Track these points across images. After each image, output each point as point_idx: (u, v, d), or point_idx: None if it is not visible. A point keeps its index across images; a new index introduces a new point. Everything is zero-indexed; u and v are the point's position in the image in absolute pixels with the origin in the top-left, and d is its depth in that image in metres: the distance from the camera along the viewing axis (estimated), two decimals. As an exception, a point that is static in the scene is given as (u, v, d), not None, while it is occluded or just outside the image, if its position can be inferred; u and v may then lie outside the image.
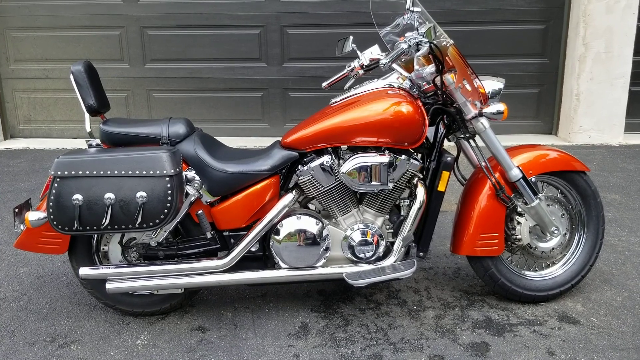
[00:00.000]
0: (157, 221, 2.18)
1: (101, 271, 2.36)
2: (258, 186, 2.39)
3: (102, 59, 5.67)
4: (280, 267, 2.42)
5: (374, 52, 2.45)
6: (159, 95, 5.81)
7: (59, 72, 5.76)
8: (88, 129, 2.39)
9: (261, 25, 5.61)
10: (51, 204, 2.15)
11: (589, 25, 5.23)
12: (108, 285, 2.35)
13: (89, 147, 2.36)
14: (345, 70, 2.52)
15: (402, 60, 2.44)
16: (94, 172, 2.15)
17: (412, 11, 2.35)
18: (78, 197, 2.13)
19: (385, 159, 2.30)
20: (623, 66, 5.30)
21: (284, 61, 5.71)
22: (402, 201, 2.46)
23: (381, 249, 2.43)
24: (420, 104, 2.35)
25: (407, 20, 2.41)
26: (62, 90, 5.81)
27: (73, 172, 2.14)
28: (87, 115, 2.38)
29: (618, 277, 2.82)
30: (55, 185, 2.14)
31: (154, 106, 5.84)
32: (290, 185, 2.49)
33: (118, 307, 2.51)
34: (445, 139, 2.47)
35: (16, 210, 2.35)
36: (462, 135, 2.45)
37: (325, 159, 2.35)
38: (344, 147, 2.39)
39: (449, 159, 2.39)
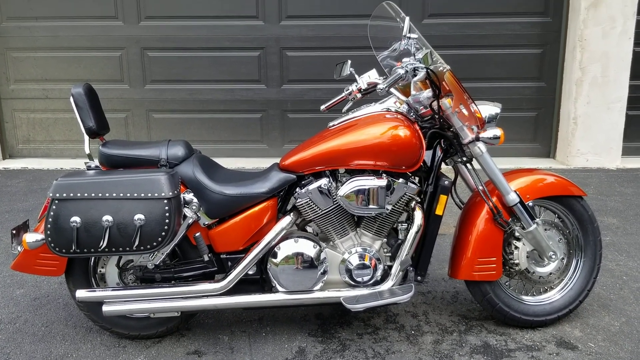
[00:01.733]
0: (155, 244, 2.18)
1: (98, 294, 2.36)
2: (256, 209, 2.39)
3: (102, 79, 5.70)
4: (277, 291, 2.41)
5: (371, 76, 2.47)
6: (159, 115, 5.84)
7: (58, 93, 5.79)
8: (87, 151, 2.39)
9: (261, 47, 5.66)
10: (49, 225, 2.15)
11: (585, 49, 5.28)
12: (104, 308, 2.34)
13: (87, 169, 2.36)
14: (343, 94, 2.53)
15: (400, 84, 2.46)
16: (92, 195, 2.15)
17: (409, 38, 2.38)
18: (76, 219, 2.13)
19: (382, 182, 2.31)
20: (619, 90, 5.35)
21: (283, 83, 5.75)
22: (400, 225, 2.46)
23: (379, 273, 2.43)
24: (418, 127, 2.37)
25: (404, 46, 2.43)
26: (62, 111, 5.83)
27: (71, 194, 2.14)
28: (86, 137, 2.39)
29: (616, 303, 2.81)
30: (54, 207, 2.14)
31: (154, 127, 5.86)
32: (288, 207, 2.50)
33: (114, 330, 2.50)
34: (443, 163, 2.48)
35: (14, 231, 2.35)
36: (459, 159, 2.46)
37: (323, 181, 2.36)
38: (341, 170, 2.40)
39: (446, 182, 2.40)
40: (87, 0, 5.60)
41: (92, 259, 2.45)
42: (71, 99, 2.36)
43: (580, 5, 5.22)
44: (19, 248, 2.34)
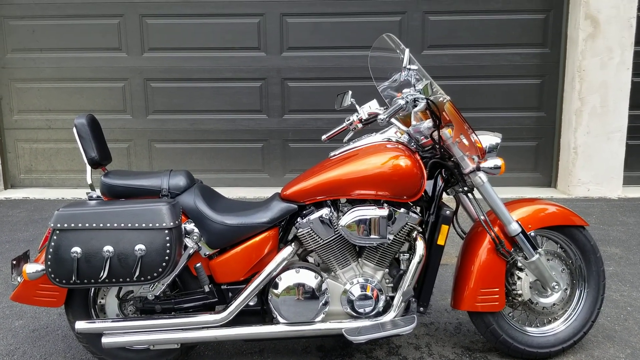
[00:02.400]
0: (155, 274, 2.16)
1: (97, 325, 2.33)
2: (257, 239, 2.38)
3: (105, 110, 5.76)
4: (278, 322, 2.38)
5: (372, 106, 2.49)
6: (161, 145, 5.87)
7: (61, 123, 5.84)
8: (89, 181, 2.40)
9: (262, 78, 5.72)
10: (49, 256, 2.14)
11: (584, 80, 5.33)
12: (104, 340, 2.31)
13: (89, 199, 2.36)
14: (344, 124, 2.55)
15: (400, 115, 2.47)
16: (94, 225, 2.14)
17: (409, 69, 2.40)
18: (77, 250, 2.12)
19: (384, 212, 2.31)
20: (619, 120, 5.38)
21: (284, 113, 5.79)
22: (401, 255, 2.45)
23: (381, 304, 2.41)
24: (419, 157, 2.38)
25: (404, 77, 2.45)
26: (64, 141, 5.87)
27: (72, 225, 2.14)
28: (88, 168, 2.40)
29: (621, 334, 2.78)
30: (55, 237, 2.14)
31: (155, 156, 5.89)
32: (289, 237, 2.49)
33: (113, 362, 2.47)
34: (444, 193, 2.48)
35: (14, 262, 2.34)
36: (460, 189, 2.46)
37: (325, 211, 2.36)
38: (343, 200, 2.40)
39: (447, 212, 2.40)
40: (91, 32, 5.69)
41: (92, 290, 2.43)
42: (74, 130, 2.37)
43: (578, 37, 5.29)
44: (18, 279, 2.33)
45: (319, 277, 2.37)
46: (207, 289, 2.39)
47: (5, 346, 2.74)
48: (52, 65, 5.77)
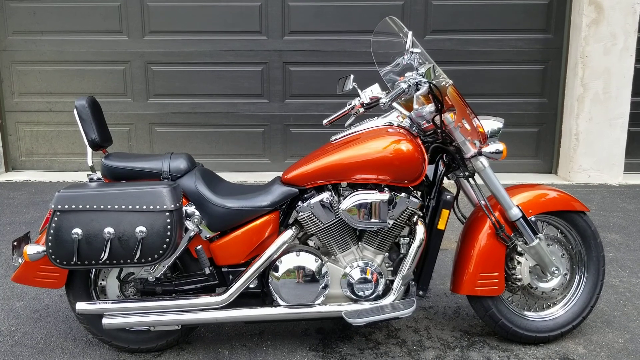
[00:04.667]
0: (156, 256, 2.17)
1: (98, 306, 2.35)
2: (257, 222, 2.39)
3: (106, 93, 5.74)
4: (278, 305, 2.40)
5: (374, 90, 2.48)
6: (161, 129, 5.86)
7: (62, 106, 5.82)
8: (90, 163, 2.40)
9: (264, 62, 5.69)
10: (50, 237, 2.14)
11: (587, 66, 5.31)
12: (104, 321, 2.33)
13: (90, 181, 2.37)
14: (346, 108, 2.54)
15: (402, 99, 2.47)
16: (94, 207, 2.15)
17: (412, 52, 2.38)
18: (77, 231, 2.13)
19: (384, 196, 2.31)
20: (621, 107, 5.36)
21: (285, 98, 5.77)
22: (401, 239, 2.45)
23: (380, 287, 2.42)
24: (420, 142, 2.37)
25: (406, 61, 2.44)
26: (65, 124, 5.86)
27: (73, 206, 2.14)
28: (89, 150, 2.39)
29: (620, 319, 2.79)
30: (55, 219, 2.14)
31: (156, 140, 5.88)
32: (290, 221, 2.49)
33: (114, 343, 2.48)
34: (445, 177, 2.48)
35: (15, 243, 2.35)
36: (461, 174, 2.46)
37: (325, 195, 2.36)
38: (343, 184, 2.40)
39: (448, 197, 2.40)
40: (92, 15, 5.66)
41: (93, 272, 2.45)
42: (75, 112, 2.37)
43: (581, 22, 5.25)
44: (19, 260, 2.34)
45: (319, 261, 2.37)
46: (207, 271, 2.40)
47: (7, 327, 2.75)
48: (53, 48, 5.74)
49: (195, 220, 2.33)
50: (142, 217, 2.16)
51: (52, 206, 2.15)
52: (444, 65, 2.42)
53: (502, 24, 5.56)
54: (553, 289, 2.50)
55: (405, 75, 2.43)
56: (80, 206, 2.15)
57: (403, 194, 2.35)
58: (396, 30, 2.53)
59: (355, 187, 2.38)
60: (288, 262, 2.37)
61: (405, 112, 2.44)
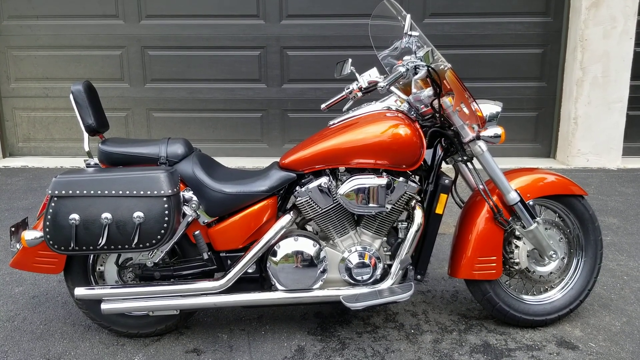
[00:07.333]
0: (154, 241, 2.17)
1: (97, 291, 2.35)
2: (256, 207, 2.38)
3: (102, 78, 5.71)
4: (276, 289, 2.40)
5: (372, 74, 2.46)
6: (159, 115, 5.83)
7: (59, 91, 5.79)
8: (87, 149, 2.39)
9: (261, 46, 5.66)
10: (48, 223, 2.14)
11: (586, 49, 5.28)
12: (103, 306, 2.33)
13: (87, 167, 2.36)
14: (344, 92, 2.52)
15: (400, 83, 2.45)
16: (92, 192, 2.14)
17: (410, 35, 2.36)
18: (75, 216, 2.12)
19: (383, 180, 2.30)
20: (620, 90, 5.34)
21: (283, 82, 5.74)
22: (400, 223, 2.45)
23: (379, 272, 2.42)
24: (418, 126, 2.36)
25: (405, 44, 2.42)
26: (62, 109, 5.83)
27: (70, 192, 2.14)
28: (85, 135, 2.38)
29: (617, 302, 2.80)
30: (52, 204, 2.14)
31: (154, 126, 5.86)
32: (288, 206, 2.49)
33: (113, 328, 2.49)
34: (443, 162, 2.47)
35: (12, 229, 2.34)
36: (459, 158, 2.45)
37: (323, 180, 2.35)
38: (341, 168, 2.40)
39: (446, 181, 2.39)
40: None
41: (91, 257, 2.44)
42: (71, 97, 2.35)
43: (581, 5, 5.22)
44: (17, 246, 2.34)
45: (318, 245, 2.38)
46: (205, 256, 2.40)
47: (6, 312, 2.76)
48: (49, 33, 5.69)
49: (193, 205, 2.33)
50: (140, 202, 2.15)
51: (50, 192, 2.15)
52: (442, 48, 2.40)
53: (501, 7, 5.52)
54: (551, 273, 2.51)
55: (404, 59, 2.42)
56: (78, 192, 2.14)
57: (401, 179, 2.35)
58: (394, 14, 2.51)
59: (353, 171, 2.38)
60: (286, 247, 2.37)
61: (404, 96, 2.43)
